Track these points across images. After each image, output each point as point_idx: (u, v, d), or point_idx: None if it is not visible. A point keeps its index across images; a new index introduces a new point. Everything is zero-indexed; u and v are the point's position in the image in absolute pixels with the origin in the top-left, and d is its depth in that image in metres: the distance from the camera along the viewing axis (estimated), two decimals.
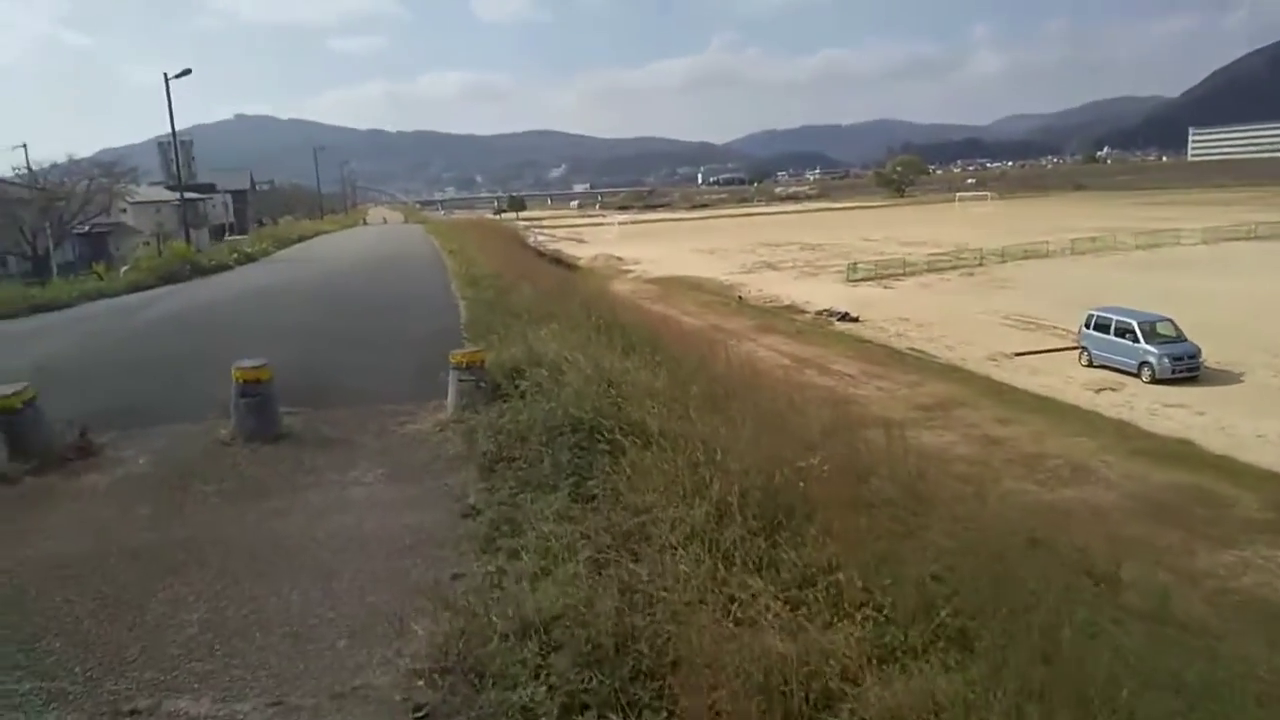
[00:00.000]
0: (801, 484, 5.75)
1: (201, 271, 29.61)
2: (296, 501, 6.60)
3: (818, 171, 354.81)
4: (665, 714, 3.68)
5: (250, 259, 35.59)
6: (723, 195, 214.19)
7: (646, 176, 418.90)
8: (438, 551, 5.51)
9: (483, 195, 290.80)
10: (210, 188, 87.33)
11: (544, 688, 3.80)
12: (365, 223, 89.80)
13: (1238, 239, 60.02)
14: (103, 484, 7.22)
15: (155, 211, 68.23)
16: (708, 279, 55.28)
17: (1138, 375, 26.72)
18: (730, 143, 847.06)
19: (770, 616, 4.20)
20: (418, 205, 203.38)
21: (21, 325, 18.49)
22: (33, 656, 4.48)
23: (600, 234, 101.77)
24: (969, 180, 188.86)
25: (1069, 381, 27.12)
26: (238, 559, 5.55)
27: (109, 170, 56.95)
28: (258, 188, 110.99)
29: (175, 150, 42.35)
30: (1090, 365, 28.54)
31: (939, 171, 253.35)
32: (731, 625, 4.11)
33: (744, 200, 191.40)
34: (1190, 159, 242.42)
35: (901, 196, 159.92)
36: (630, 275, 59.17)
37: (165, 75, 36.76)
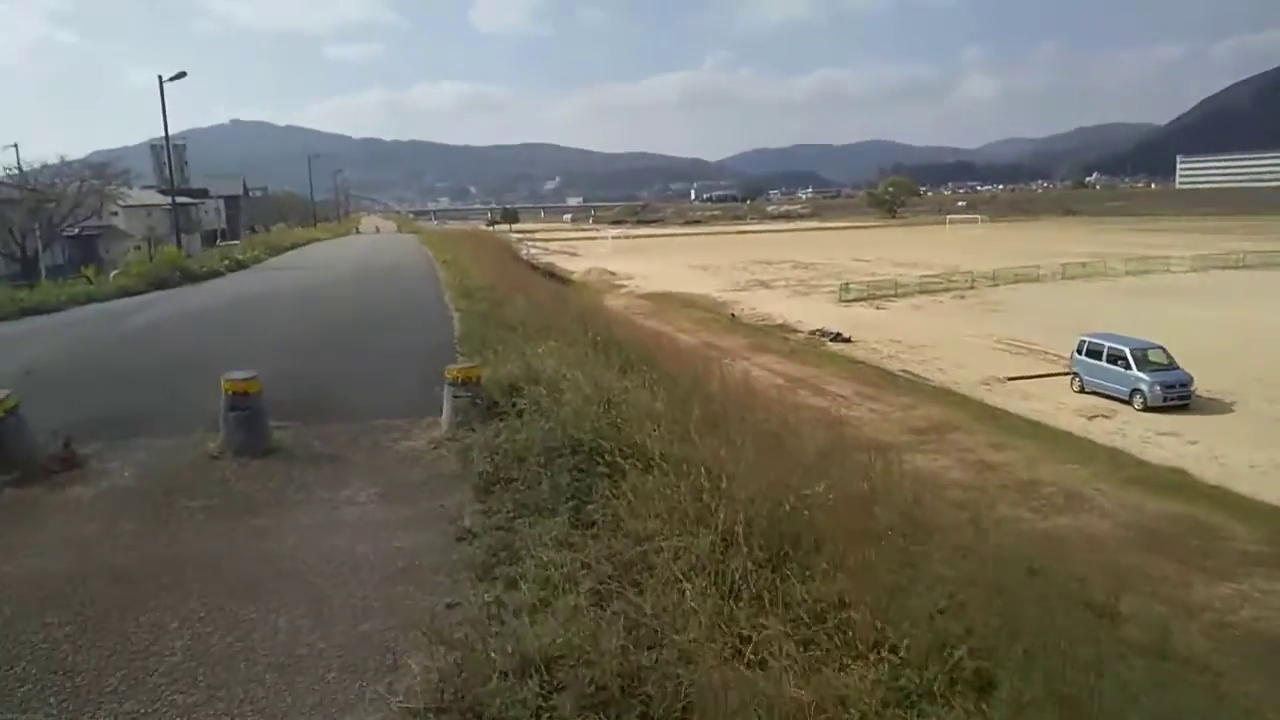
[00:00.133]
0: (806, 512, 5.60)
1: (192, 278, 29.35)
2: (286, 520, 6.39)
3: (810, 190, 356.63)
4: None
5: (242, 266, 35.36)
6: (715, 212, 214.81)
7: (640, 191, 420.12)
8: (432, 577, 5.32)
9: (476, 206, 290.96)
10: (203, 193, 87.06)
11: None
12: (358, 231, 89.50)
13: (1227, 267, 60.44)
14: (87, 497, 6.99)
15: (147, 215, 67.77)
16: (701, 296, 55.28)
17: (1129, 402, 26.77)
18: (723, 160, 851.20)
19: (783, 659, 4.02)
20: (411, 215, 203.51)
21: (9, 329, 18.22)
22: (5, 684, 4.28)
23: (593, 248, 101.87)
24: (960, 203, 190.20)
25: (1061, 407, 27.13)
26: (224, 581, 5.35)
27: (100, 172, 56.60)
28: (251, 194, 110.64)
29: (168, 153, 42.13)
30: (1082, 391, 28.59)
31: (930, 193, 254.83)
32: (743, 668, 3.94)
33: (737, 217, 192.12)
34: (1178, 186, 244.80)
35: (893, 217, 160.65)
36: (623, 290, 59.11)
37: (160, 77, 36.54)
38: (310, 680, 4.22)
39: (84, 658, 4.48)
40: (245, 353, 13.11)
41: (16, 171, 52.01)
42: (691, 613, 4.38)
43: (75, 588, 5.30)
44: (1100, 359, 28.14)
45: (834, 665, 4.15)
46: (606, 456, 6.46)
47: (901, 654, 4.24)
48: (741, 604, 4.52)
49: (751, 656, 4.10)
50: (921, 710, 3.89)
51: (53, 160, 53.59)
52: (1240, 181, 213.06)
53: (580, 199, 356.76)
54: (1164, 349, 27.74)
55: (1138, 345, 27.69)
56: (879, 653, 4.29)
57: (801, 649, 4.26)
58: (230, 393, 8.08)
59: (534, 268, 47.66)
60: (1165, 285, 53.13)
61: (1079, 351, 29.22)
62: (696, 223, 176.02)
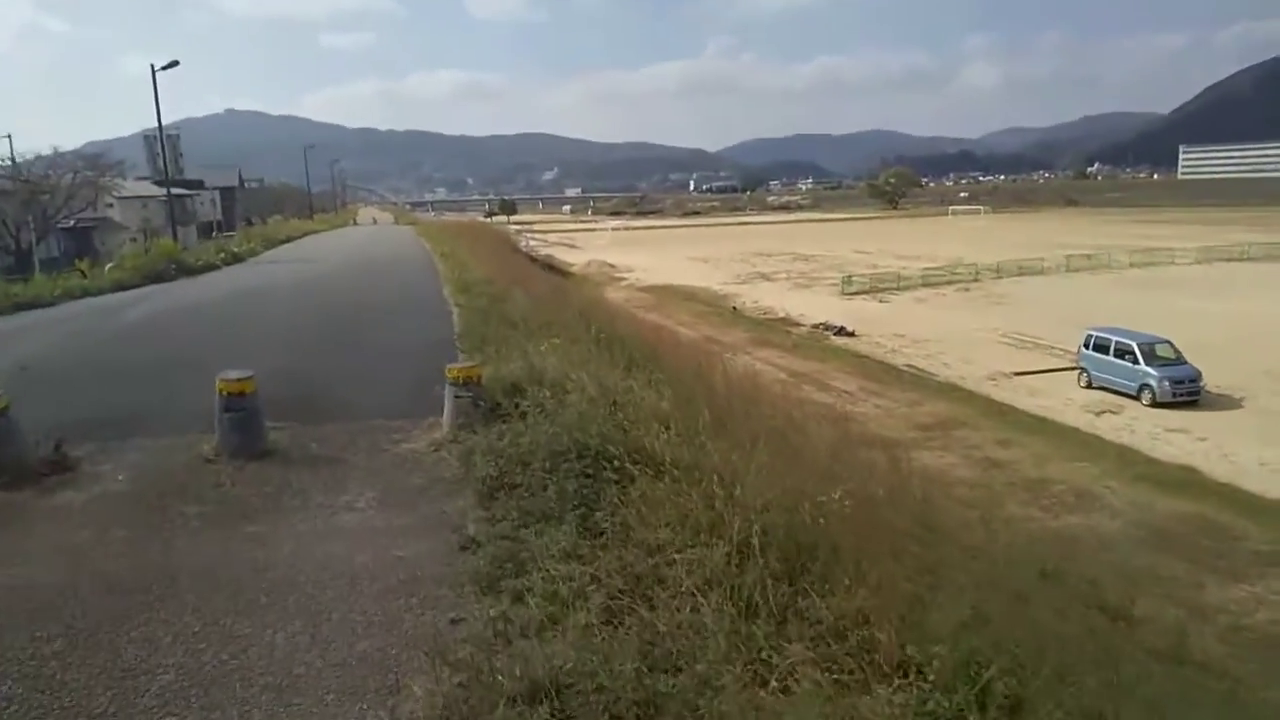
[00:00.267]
0: (822, 520, 5.40)
1: (188, 271, 29.14)
2: (282, 527, 6.19)
3: (810, 181, 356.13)
4: None
5: (238, 259, 35.14)
6: (715, 203, 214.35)
7: (639, 182, 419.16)
8: (435, 590, 5.11)
9: (474, 197, 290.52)
10: (199, 184, 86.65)
11: None
12: (355, 223, 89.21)
13: (1232, 259, 60.20)
14: (78, 502, 6.79)
15: (142, 207, 67.44)
16: (701, 289, 55.06)
17: (1137, 398, 26.58)
18: (723, 150, 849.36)
19: (806, 683, 3.82)
20: (408, 206, 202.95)
21: (2, 324, 18.01)
22: None
23: (592, 240, 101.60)
24: (962, 194, 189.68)
25: (1068, 403, 26.98)
26: (219, 593, 5.14)
27: (94, 163, 56.22)
28: (247, 185, 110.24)
29: (161, 144, 41.80)
30: (1089, 386, 28.42)
31: (932, 184, 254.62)
32: (764, 693, 3.74)
33: (736, 209, 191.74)
34: (1180, 177, 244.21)
35: (894, 208, 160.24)
36: (623, 283, 58.91)
37: (152, 66, 36.29)
38: (309, 703, 4.02)
39: (73, 675, 4.28)
40: (241, 349, 12.94)
41: (9, 163, 51.65)
42: (708, 632, 4.17)
43: (65, 599, 5.10)
44: (1108, 354, 27.95)
45: (858, 689, 3.95)
46: (614, 462, 6.25)
47: (928, 675, 4.05)
48: (759, 621, 4.32)
49: (772, 680, 3.89)
50: None
51: (46, 151, 53.21)
52: (1243, 171, 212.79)
53: (579, 190, 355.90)
54: (1172, 343, 27.55)
55: (1146, 340, 27.48)
56: (904, 674, 4.10)
57: (822, 669, 4.06)
58: (225, 393, 7.86)
59: (533, 260, 47.49)
60: (1170, 278, 52.92)
61: (1086, 346, 29.02)
62: (696, 214, 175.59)
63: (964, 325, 39.14)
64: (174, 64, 37.72)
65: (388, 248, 41.51)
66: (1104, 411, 25.99)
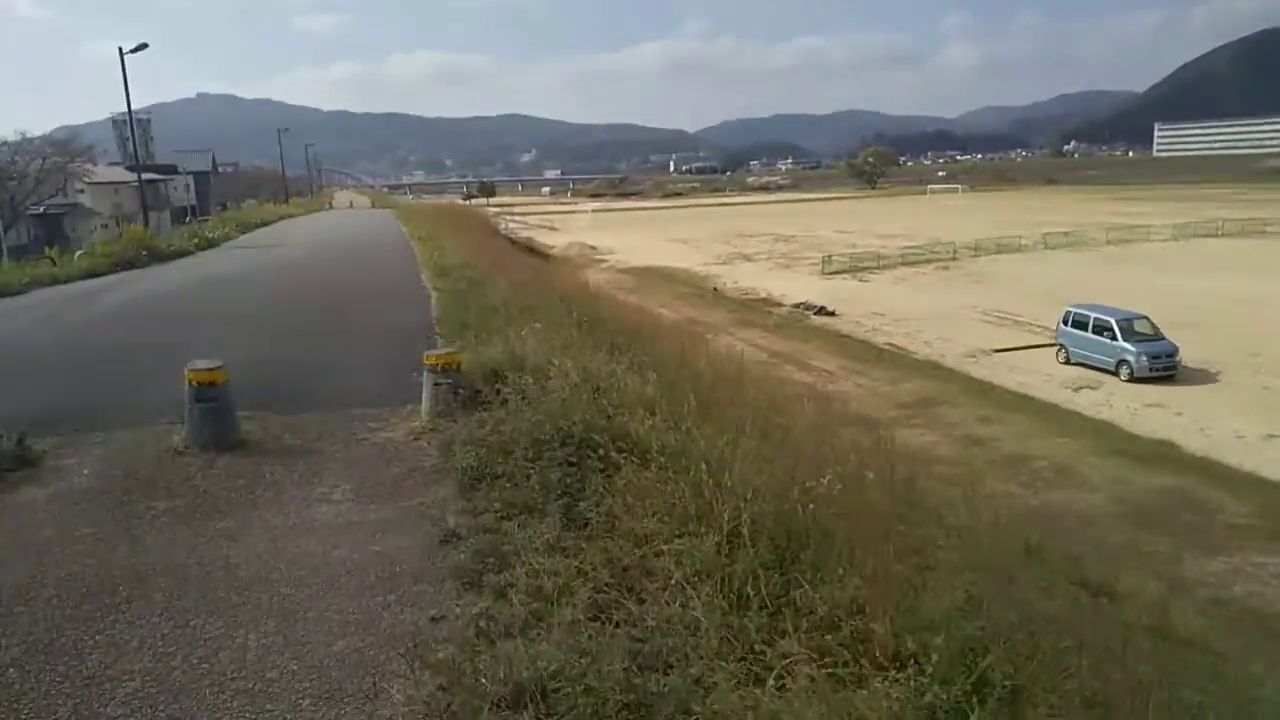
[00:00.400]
0: (811, 505, 5.27)
1: (160, 257, 28.59)
2: (256, 522, 5.97)
3: (790, 161, 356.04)
4: None
5: (211, 244, 34.56)
6: (695, 184, 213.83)
7: (619, 164, 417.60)
8: (414, 586, 4.92)
9: (452, 180, 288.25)
10: (172, 169, 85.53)
11: None
12: (331, 207, 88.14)
13: (1207, 235, 60.60)
14: (41, 499, 6.53)
15: (114, 192, 66.45)
16: (682, 270, 54.86)
17: (1115, 373, 26.71)
18: (703, 131, 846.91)
19: (800, 678, 3.68)
20: (385, 189, 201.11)
21: None
22: None
23: (572, 222, 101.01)
24: (940, 173, 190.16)
25: (1048, 379, 27.07)
26: (188, 593, 4.93)
27: (64, 149, 55.24)
28: (220, 169, 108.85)
29: (131, 128, 41.00)
30: (1068, 362, 28.55)
31: (910, 163, 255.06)
32: (759, 691, 3.59)
33: (716, 189, 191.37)
34: (1156, 154, 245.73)
35: (873, 188, 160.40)
36: (604, 265, 58.57)
37: (120, 49, 35.57)
38: (282, 709, 3.83)
39: (32, 684, 4.06)
40: (213, 337, 12.69)
41: None
42: (699, 627, 4.02)
43: (26, 602, 4.87)
44: (1086, 330, 28.08)
45: (854, 682, 3.82)
46: (599, 450, 6.09)
47: (925, 667, 3.92)
48: (751, 614, 4.17)
49: (765, 674, 3.75)
50: None
51: (13, 137, 52.17)
52: (1218, 148, 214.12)
53: (558, 172, 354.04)
54: (1149, 319, 27.72)
55: (1123, 316, 27.61)
56: (900, 665, 3.97)
57: (815, 661, 3.93)
58: (195, 383, 7.61)
59: (513, 243, 47.09)
60: (1146, 254, 53.25)
61: (1064, 322, 29.14)
62: (676, 195, 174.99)
63: (943, 303, 39.17)
64: (143, 46, 36.97)
65: (364, 231, 41.01)
66: (1082, 387, 26.11)
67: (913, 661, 3.97)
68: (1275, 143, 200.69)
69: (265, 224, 49.14)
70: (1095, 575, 10.08)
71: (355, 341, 12.58)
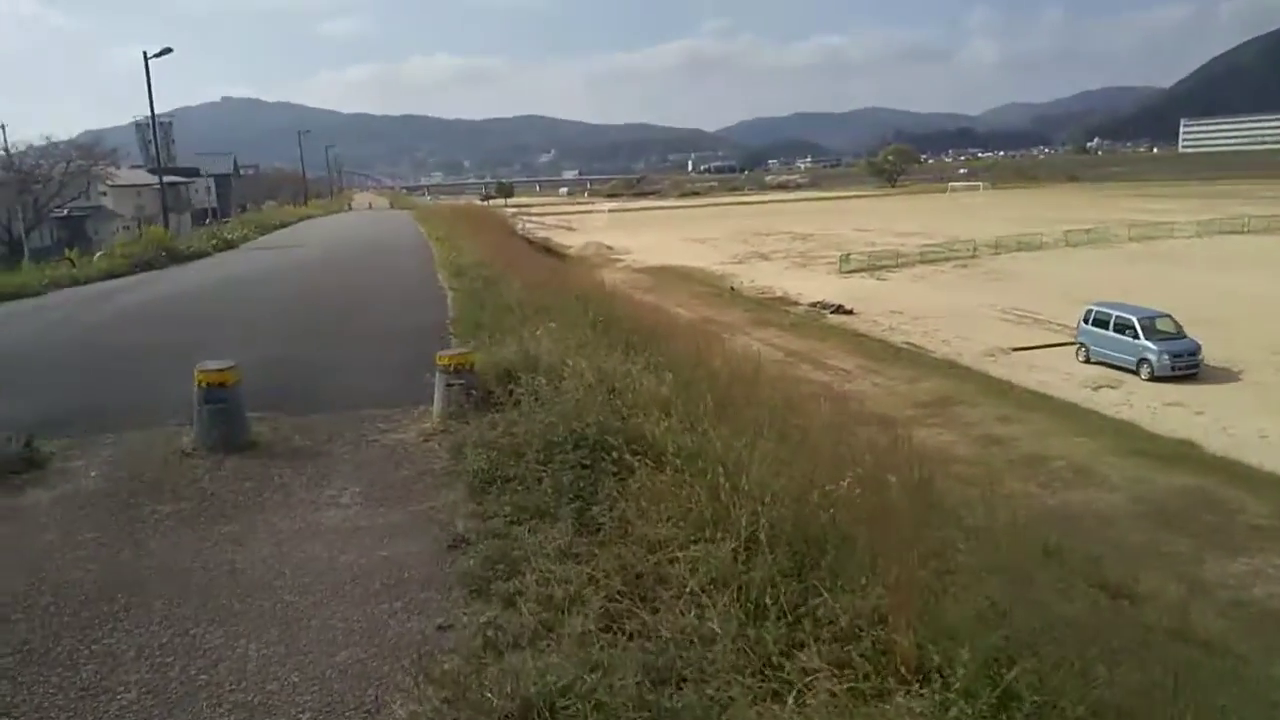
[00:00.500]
0: (831, 510, 5.09)
1: (179, 258, 28.69)
2: (262, 527, 5.85)
3: (809, 160, 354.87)
4: None
5: (230, 245, 34.67)
6: (713, 183, 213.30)
7: (636, 163, 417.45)
8: (421, 594, 4.78)
9: (470, 181, 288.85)
10: (194, 172, 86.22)
11: None
12: (350, 208, 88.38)
13: (1232, 232, 59.75)
14: (45, 502, 6.43)
15: (136, 195, 67.06)
16: (699, 269, 54.68)
17: (1136, 372, 26.37)
18: (721, 130, 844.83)
19: (820, 693, 3.51)
20: (404, 190, 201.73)
21: None
22: None
23: (589, 222, 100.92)
24: (961, 170, 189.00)
25: (1067, 378, 26.76)
26: (190, 600, 4.80)
27: (87, 152, 55.77)
28: (242, 172, 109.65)
29: (154, 131, 41.20)
30: (1088, 361, 28.23)
31: (931, 161, 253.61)
32: (776, 707, 3.42)
33: (734, 189, 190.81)
34: (1181, 150, 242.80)
35: (893, 186, 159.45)
36: (620, 265, 58.44)
37: (144, 53, 35.78)
38: None
39: (25, 696, 3.93)
40: (225, 336, 12.65)
41: (3, 153, 51.24)
42: (714, 638, 3.85)
43: (23, 610, 4.75)
44: (1107, 328, 27.73)
45: (875, 696, 3.65)
46: (613, 452, 5.92)
47: (950, 679, 3.74)
48: (769, 624, 4.00)
49: (783, 689, 3.58)
50: None
51: (39, 142, 52.79)
52: (1245, 144, 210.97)
53: (576, 172, 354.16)
54: (1171, 317, 27.36)
55: (1145, 314, 27.29)
56: (923, 677, 3.80)
57: (835, 674, 3.76)
58: (204, 384, 7.51)
59: (530, 243, 47.03)
60: (1169, 251, 52.59)
61: (1085, 321, 28.81)
62: (694, 194, 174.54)
63: (962, 301, 38.83)
64: (167, 51, 37.19)
65: (382, 232, 41.04)
66: (1102, 386, 25.79)
67: (936, 674, 3.81)
68: None
69: (284, 225, 49.28)
70: (1115, 577, 9.90)
71: (369, 341, 12.48)
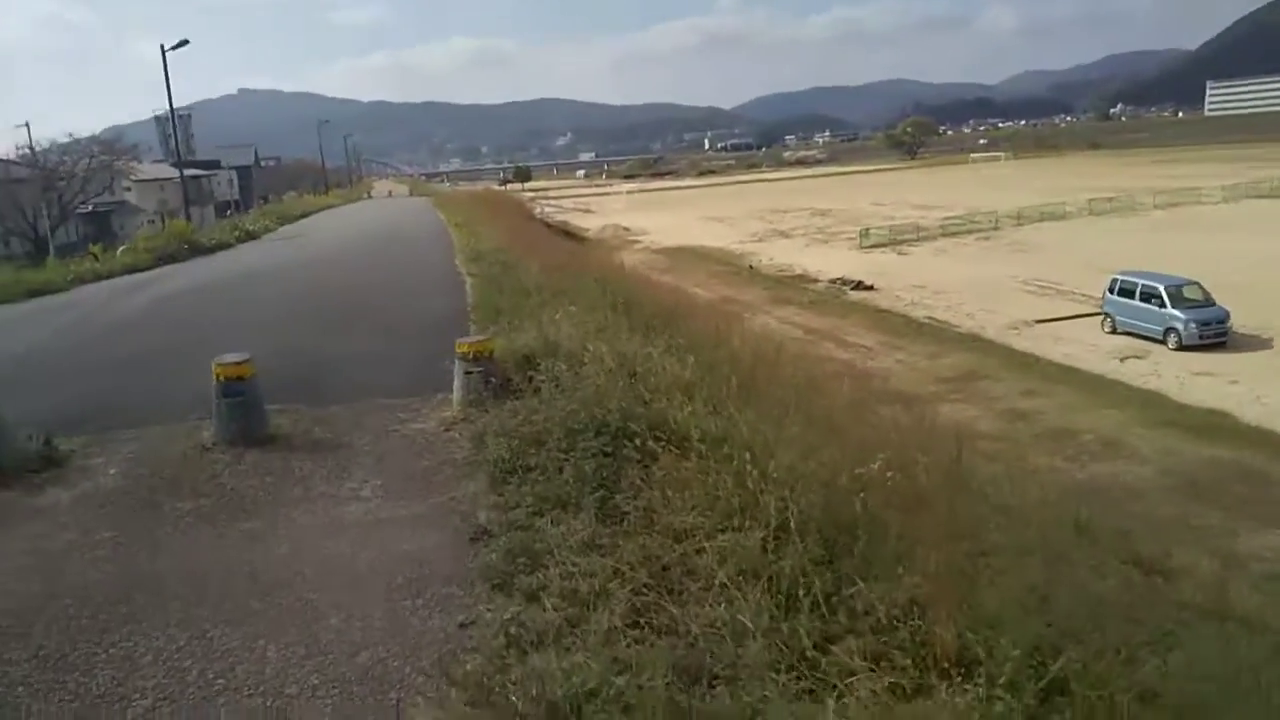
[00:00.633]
0: (861, 494, 4.92)
1: (201, 251, 28.84)
2: (282, 522, 5.76)
3: (827, 135, 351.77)
4: None
5: (252, 236, 34.78)
6: (730, 161, 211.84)
7: (653, 143, 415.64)
8: (443, 589, 4.66)
9: (488, 166, 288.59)
10: (215, 164, 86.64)
11: None
12: (370, 196, 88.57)
13: (1260, 196, 58.54)
14: (65, 500, 6.38)
15: (159, 189, 67.49)
16: (717, 248, 54.32)
17: (1164, 342, 25.91)
18: (738, 107, 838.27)
19: (861, 691, 3.36)
20: (422, 177, 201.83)
21: (11, 312, 17.73)
22: None
23: (607, 204, 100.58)
24: (981, 141, 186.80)
25: (1093, 349, 26.33)
26: (208, 601, 4.72)
27: (110, 148, 56.12)
28: (263, 163, 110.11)
29: (173, 125, 41.37)
30: (1114, 332, 27.75)
31: (950, 132, 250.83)
32: (814, 707, 3.27)
33: (752, 166, 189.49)
34: (1207, 114, 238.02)
35: (913, 159, 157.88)
36: (638, 246, 58.14)
37: (162, 46, 35.87)
38: None
39: (40, 704, 3.86)
40: (244, 329, 12.62)
41: (28, 150, 51.69)
42: (745, 631, 3.71)
43: (40, 613, 4.68)
44: (1133, 298, 27.24)
45: (914, 690, 3.50)
46: (635, 439, 5.77)
47: (994, 671, 3.57)
48: (801, 616, 3.85)
49: (819, 686, 3.44)
50: None
51: (62, 138, 53.16)
52: (1274, 105, 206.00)
53: (593, 154, 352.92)
54: (1200, 285, 26.78)
55: (1172, 282, 26.73)
56: (964, 669, 3.64)
57: (871, 668, 3.61)
58: (222, 378, 7.43)
59: (548, 226, 46.86)
60: (1197, 218, 51.62)
61: (1110, 291, 28.30)
62: (711, 173, 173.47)
63: (985, 274, 38.31)
64: (184, 43, 37.33)
65: (401, 219, 41.03)
66: (1129, 357, 25.34)
67: (978, 666, 3.65)
68: None
69: (305, 215, 49.38)
70: (1147, 552, 9.66)
71: (388, 329, 12.37)
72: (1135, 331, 26.92)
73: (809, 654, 3.63)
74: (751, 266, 46.42)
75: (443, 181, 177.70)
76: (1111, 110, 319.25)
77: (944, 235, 51.56)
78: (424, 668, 3.88)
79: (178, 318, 15.17)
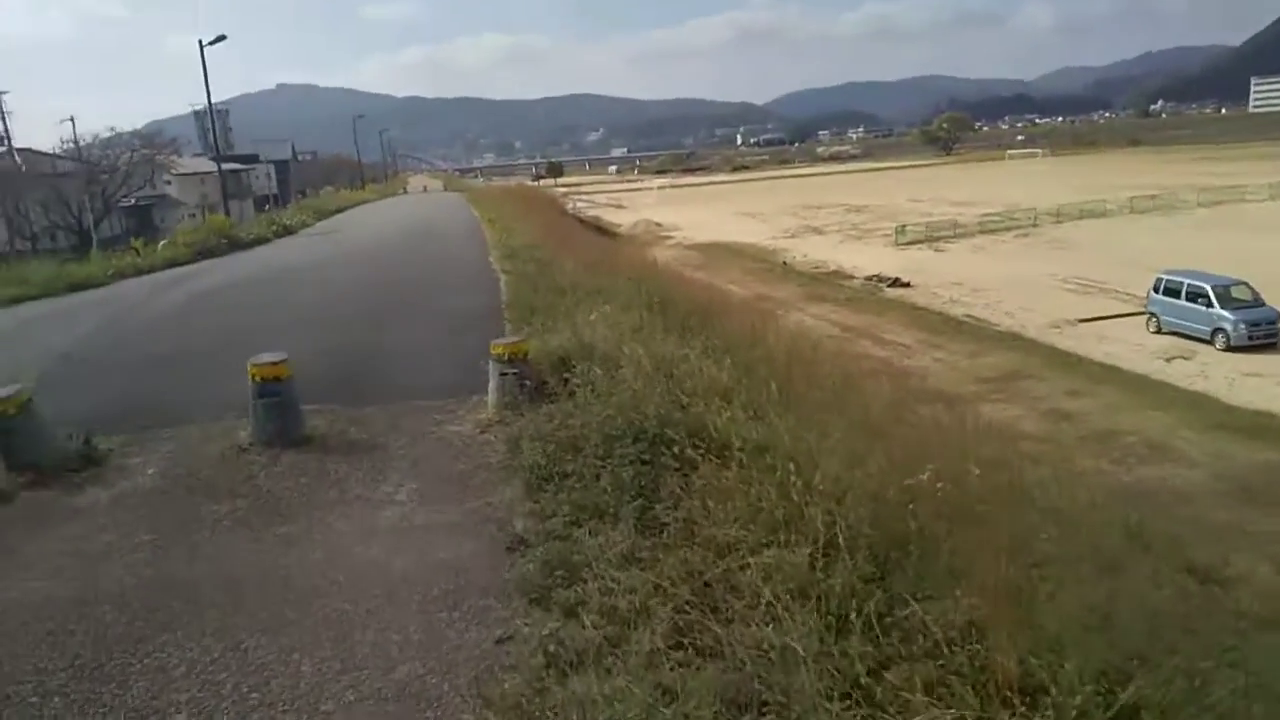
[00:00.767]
0: (910, 505, 4.74)
1: (239, 245, 29.05)
2: (317, 527, 5.70)
3: (860, 130, 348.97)
4: None
5: (289, 231, 35.01)
6: (763, 156, 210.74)
7: (685, 139, 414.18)
8: (480, 601, 4.56)
9: (521, 161, 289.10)
10: (253, 158, 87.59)
11: None
12: (405, 191, 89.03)
13: None
14: (104, 501, 6.38)
15: (200, 183, 68.29)
16: (750, 244, 53.97)
17: (1211, 342, 25.35)
18: (770, 102, 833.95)
19: None
20: (456, 173, 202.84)
21: (53, 306, 17.93)
22: None
23: (639, 199, 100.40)
24: (1018, 137, 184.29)
25: (1138, 349, 25.78)
26: (244, 609, 4.66)
27: (150, 142, 56.87)
28: (300, 158, 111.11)
29: (211, 119, 41.80)
30: (1159, 332, 27.19)
31: (986, 128, 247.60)
32: None
33: (785, 161, 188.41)
34: (1251, 110, 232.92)
35: (948, 155, 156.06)
36: (671, 242, 57.91)
37: (200, 41, 36.26)
38: None
39: (75, 717, 3.81)
40: (281, 326, 12.59)
41: (72, 145, 52.55)
42: (795, 657, 3.55)
43: (79, 619, 4.65)
44: (1179, 297, 26.64)
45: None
46: (674, 446, 5.63)
47: (1062, 702, 3.39)
48: (853, 638, 3.69)
49: (875, 713, 3.28)
50: None
51: (105, 133, 53.98)
52: None
53: (625, 149, 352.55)
54: (1248, 284, 26.14)
55: (1219, 282, 26.12)
56: (1028, 698, 3.46)
57: (926, 695, 3.45)
58: (258, 378, 7.39)
59: (581, 222, 46.79)
60: (1242, 216, 50.45)
61: (1156, 290, 27.72)
62: (744, 168, 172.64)
63: (1024, 272, 37.70)
64: (221, 38, 37.71)
65: (435, 215, 41.11)
66: (1175, 357, 24.80)
67: (1043, 694, 3.47)
68: None
69: (341, 210, 49.67)
70: (1202, 559, 9.40)
71: (423, 328, 12.34)
72: (1181, 331, 26.38)
73: (863, 680, 3.47)
74: (785, 263, 46.06)
75: (476, 177, 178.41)
76: (1152, 107, 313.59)
77: (982, 232, 50.86)
78: (461, 686, 3.78)
79: (213, 316, 15.20)
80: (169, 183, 64.26)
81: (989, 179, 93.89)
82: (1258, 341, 24.63)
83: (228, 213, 40.00)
